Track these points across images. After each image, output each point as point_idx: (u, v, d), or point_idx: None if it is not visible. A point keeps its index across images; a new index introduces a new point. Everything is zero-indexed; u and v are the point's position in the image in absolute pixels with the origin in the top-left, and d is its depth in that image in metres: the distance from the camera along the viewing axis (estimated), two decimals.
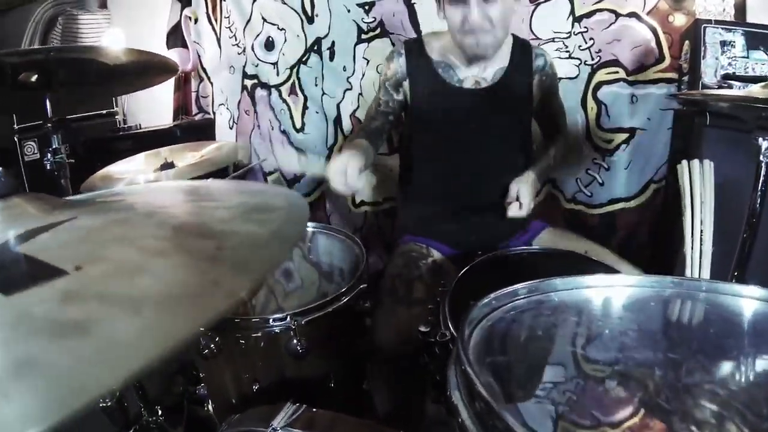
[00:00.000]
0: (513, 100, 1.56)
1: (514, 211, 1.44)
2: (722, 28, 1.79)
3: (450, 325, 1.04)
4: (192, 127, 2.39)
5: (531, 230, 1.63)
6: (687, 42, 1.92)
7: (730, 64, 1.78)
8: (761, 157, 1.23)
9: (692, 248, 1.72)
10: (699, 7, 2.00)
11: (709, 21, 1.80)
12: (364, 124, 1.63)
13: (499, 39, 1.45)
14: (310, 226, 1.73)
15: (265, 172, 2.50)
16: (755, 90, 1.23)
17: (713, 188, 1.60)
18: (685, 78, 1.91)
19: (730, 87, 1.78)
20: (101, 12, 2.61)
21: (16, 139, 2.31)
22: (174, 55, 2.42)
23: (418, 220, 1.66)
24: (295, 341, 1.22)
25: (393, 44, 2.21)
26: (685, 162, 1.58)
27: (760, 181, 1.25)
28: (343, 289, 1.33)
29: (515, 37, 1.61)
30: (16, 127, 2.32)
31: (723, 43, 1.78)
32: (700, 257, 1.70)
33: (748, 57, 1.77)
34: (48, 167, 1.46)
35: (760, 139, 1.24)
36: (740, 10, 1.98)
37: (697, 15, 2.00)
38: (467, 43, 1.42)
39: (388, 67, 1.57)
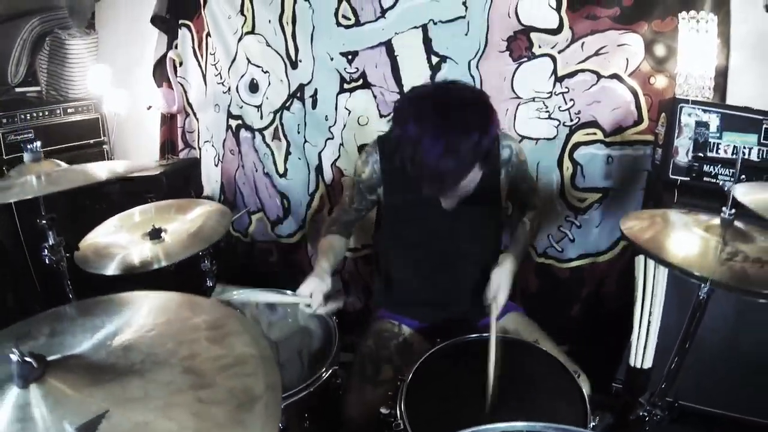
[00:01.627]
0: (482, 198, 1.56)
1: (494, 309, 1.44)
2: (699, 109, 1.79)
3: (404, 416, 1.14)
4: (178, 170, 2.43)
5: None
6: (664, 114, 1.94)
7: (703, 144, 1.80)
8: (700, 294, 1.27)
9: (638, 339, 1.81)
10: (681, 75, 2.00)
11: (686, 100, 1.80)
12: (337, 215, 1.68)
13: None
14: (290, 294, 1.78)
15: (250, 212, 2.56)
16: (702, 235, 1.25)
17: (665, 284, 1.67)
18: (659, 150, 1.94)
19: (701, 169, 1.81)
20: (89, 38, 2.60)
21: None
22: (160, 95, 2.45)
23: (392, 299, 1.72)
24: None
25: (375, 97, 2.23)
26: (642, 256, 1.65)
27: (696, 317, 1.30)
28: (322, 372, 1.40)
29: None
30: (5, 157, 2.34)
31: (698, 123, 1.80)
32: (645, 348, 1.80)
33: (721, 138, 1.79)
34: (47, 262, 1.54)
35: None
36: (722, 73, 1.98)
37: (678, 78, 2.01)
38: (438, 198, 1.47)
39: (363, 170, 1.56)
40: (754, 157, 1.76)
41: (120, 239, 1.75)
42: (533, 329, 1.63)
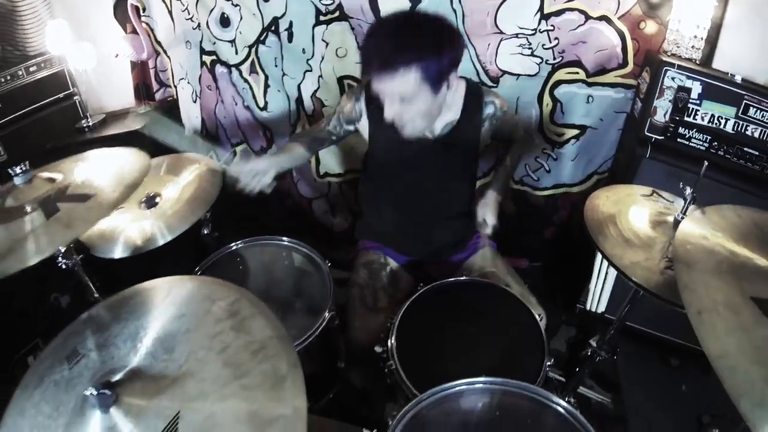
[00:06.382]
0: (461, 147, 1.68)
1: (485, 233, 1.66)
2: (684, 74, 1.78)
3: (395, 357, 1.32)
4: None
5: (470, 248, 1.87)
6: (648, 69, 1.90)
7: (681, 108, 1.82)
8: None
9: (596, 283, 2.05)
10: (672, 30, 1.90)
11: (672, 64, 1.78)
12: (311, 130, 1.83)
13: (426, 125, 1.54)
14: (286, 241, 1.82)
15: (232, 143, 2.56)
16: (651, 235, 1.33)
17: None
18: (639, 101, 1.94)
19: (676, 130, 1.85)
20: None
21: None
22: (127, 44, 2.26)
23: (376, 230, 1.89)
24: None
25: (353, 28, 2.11)
26: None
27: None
28: (319, 322, 1.55)
29: (468, 85, 1.64)
30: None
31: (680, 88, 1.80)
32: (600, 295, 2.05)
33: (700, 105, 1.80)
34: (64, 268, 1.50)
35: None
36: (716, 27, 1.87)
37: (669, 32, 1.91)
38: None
39: (346, 103, 1.68)
40: (729, 129, 1.79)
41: (121, 220, 1.74)
42: (502, 266, 1.80)
